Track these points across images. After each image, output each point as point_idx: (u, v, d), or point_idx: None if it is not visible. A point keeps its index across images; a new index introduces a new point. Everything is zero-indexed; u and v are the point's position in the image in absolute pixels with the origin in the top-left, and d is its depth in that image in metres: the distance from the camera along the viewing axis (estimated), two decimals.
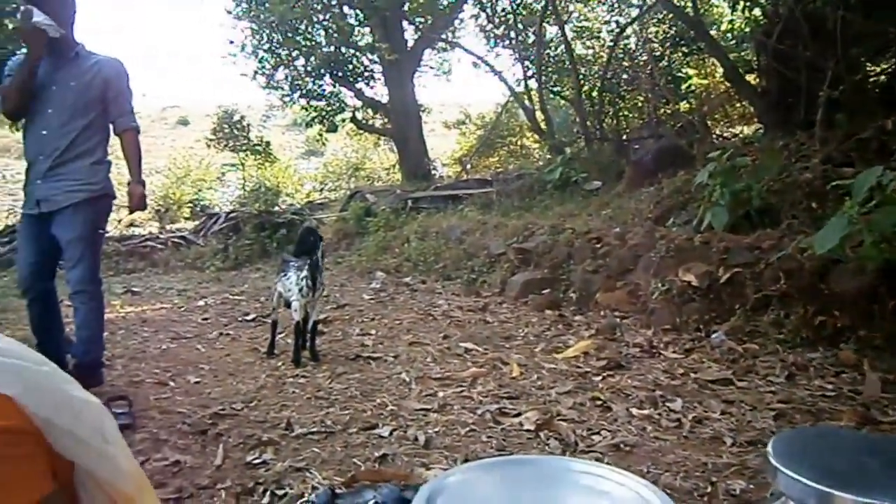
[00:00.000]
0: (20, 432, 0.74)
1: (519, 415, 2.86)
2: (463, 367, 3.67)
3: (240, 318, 5.40)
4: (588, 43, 12.80)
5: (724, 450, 2.46)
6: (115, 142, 3.33)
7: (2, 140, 23.39)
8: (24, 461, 0.73)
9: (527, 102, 11.15)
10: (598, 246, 5.41)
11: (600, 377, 3.39)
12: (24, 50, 3.11)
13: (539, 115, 10.78)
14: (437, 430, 2.72)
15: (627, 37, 11.40)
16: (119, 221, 20.11)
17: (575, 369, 3.55)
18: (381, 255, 7.78)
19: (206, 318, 5.50)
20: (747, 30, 8.01)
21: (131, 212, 3.41)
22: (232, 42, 13.52)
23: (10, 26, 8.51)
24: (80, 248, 3.16)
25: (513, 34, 12.45)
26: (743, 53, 8.46)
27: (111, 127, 3.29)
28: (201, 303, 6.32)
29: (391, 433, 2.70)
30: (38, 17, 2.96)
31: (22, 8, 3.02)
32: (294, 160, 23.85)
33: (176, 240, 9.77)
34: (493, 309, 5.28)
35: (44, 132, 3.11)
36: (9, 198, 17.87)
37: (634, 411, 2.88)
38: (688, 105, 10.00)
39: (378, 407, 3.04)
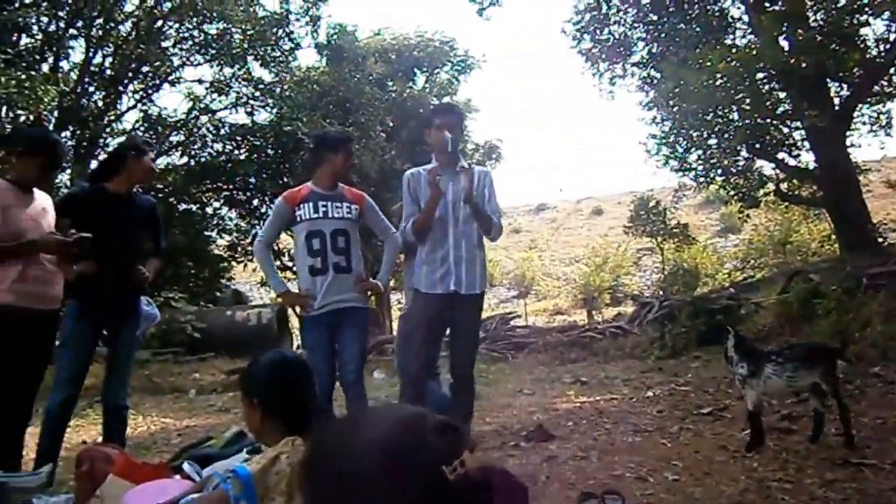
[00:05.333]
0: None
1: None
2: None
3: (695, 412, 5.37)
4: None
5: None
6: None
7: None
8: None
9: None
10: None
11: None
12: None
13: None
14: None
15: None
16: (544, 311, 21.76)
17: None
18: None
19: (660, 411, 5.59)
20: None
21: None
22: (654, 137, 14.01)
23: None
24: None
25: None
26: None
27: None
28: (650, 394, 6.46)
29: None
30: None
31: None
32: (710, 239, 23.32)
33: (613, 329, 10.25)
34: None
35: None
36: None
37: None
38: None
39: None
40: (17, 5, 12.13)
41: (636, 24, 14.94)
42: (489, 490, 0.91)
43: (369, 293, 4.01)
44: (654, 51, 14.78)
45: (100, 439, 5.16)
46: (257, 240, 4.01)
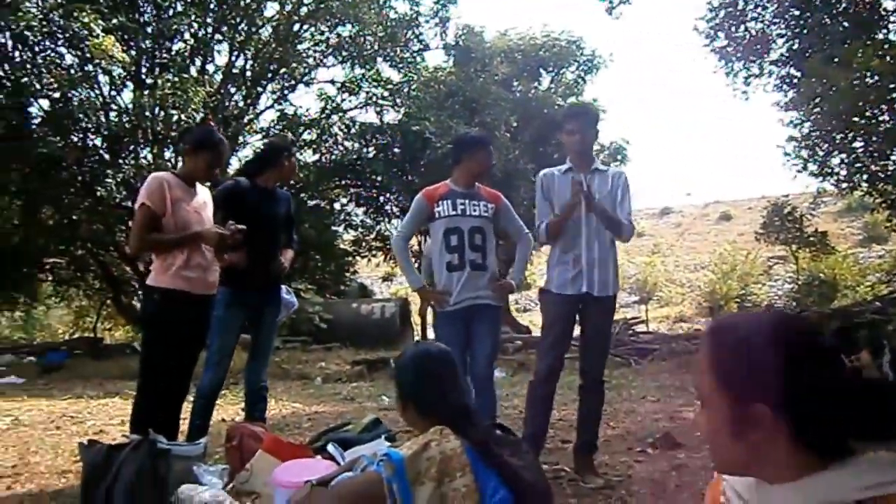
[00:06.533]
0: None
1: None
2: None
3: None
4: None
5: None
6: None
7: None
8: None
9: None
10: None
11: None
12: None
13: None
14: None
15: None
16: (667, 318, 21.09)
17: None
18: None
19: None
20: None
21: None
22: (793, 139, 13.28)
23: None
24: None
25: None
26: None
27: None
28: None
29: None
30: None
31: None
32: (851, 249, 21.82)
33: None
34: None
35: None
36: None
37: None
38: None
39: None
40: (171, 13, 13.09)
41: (776, 20, 14.18)
42: (880, 388, 1.01)
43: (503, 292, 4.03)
44: (794, 48, 13.97)
45: (237, 417, 5.51)
46: (396, 234, 4.11)
